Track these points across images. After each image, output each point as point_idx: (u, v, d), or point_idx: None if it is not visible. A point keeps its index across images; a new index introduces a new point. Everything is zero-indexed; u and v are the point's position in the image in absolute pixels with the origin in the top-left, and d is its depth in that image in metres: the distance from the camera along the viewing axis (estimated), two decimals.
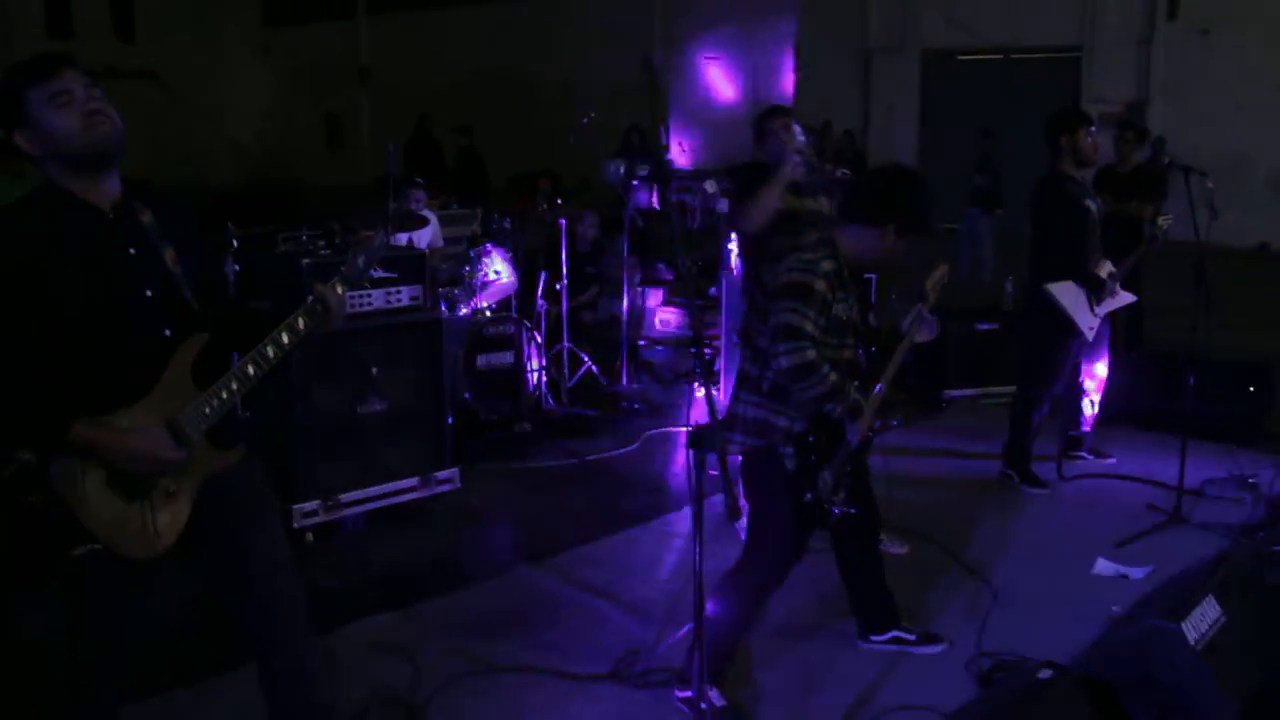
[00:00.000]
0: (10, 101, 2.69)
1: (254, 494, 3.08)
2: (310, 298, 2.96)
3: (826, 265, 3.67)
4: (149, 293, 2.80)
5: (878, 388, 3.83)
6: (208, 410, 2.81)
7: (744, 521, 3.80)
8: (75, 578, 2.77)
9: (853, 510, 3.81)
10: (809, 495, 3.68)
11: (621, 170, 8.48)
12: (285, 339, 2.90)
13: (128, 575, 2.80)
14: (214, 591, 3.10)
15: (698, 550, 2.84)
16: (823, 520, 3.81)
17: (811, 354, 3.57)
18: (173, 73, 23.61)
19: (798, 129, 5.29)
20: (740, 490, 3.90)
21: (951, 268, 4.31)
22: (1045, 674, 3.23)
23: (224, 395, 2.83)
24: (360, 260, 3.12)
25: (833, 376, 3.60)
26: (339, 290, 2.99)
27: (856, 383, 3.76)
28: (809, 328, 3.59)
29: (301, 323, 2.91)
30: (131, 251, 2.80)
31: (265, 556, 3.04)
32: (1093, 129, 5.81)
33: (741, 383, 3.88)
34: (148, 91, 23.39)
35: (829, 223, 4.09)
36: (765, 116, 5.52)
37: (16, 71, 2.70)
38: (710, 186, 2.55)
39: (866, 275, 7.46)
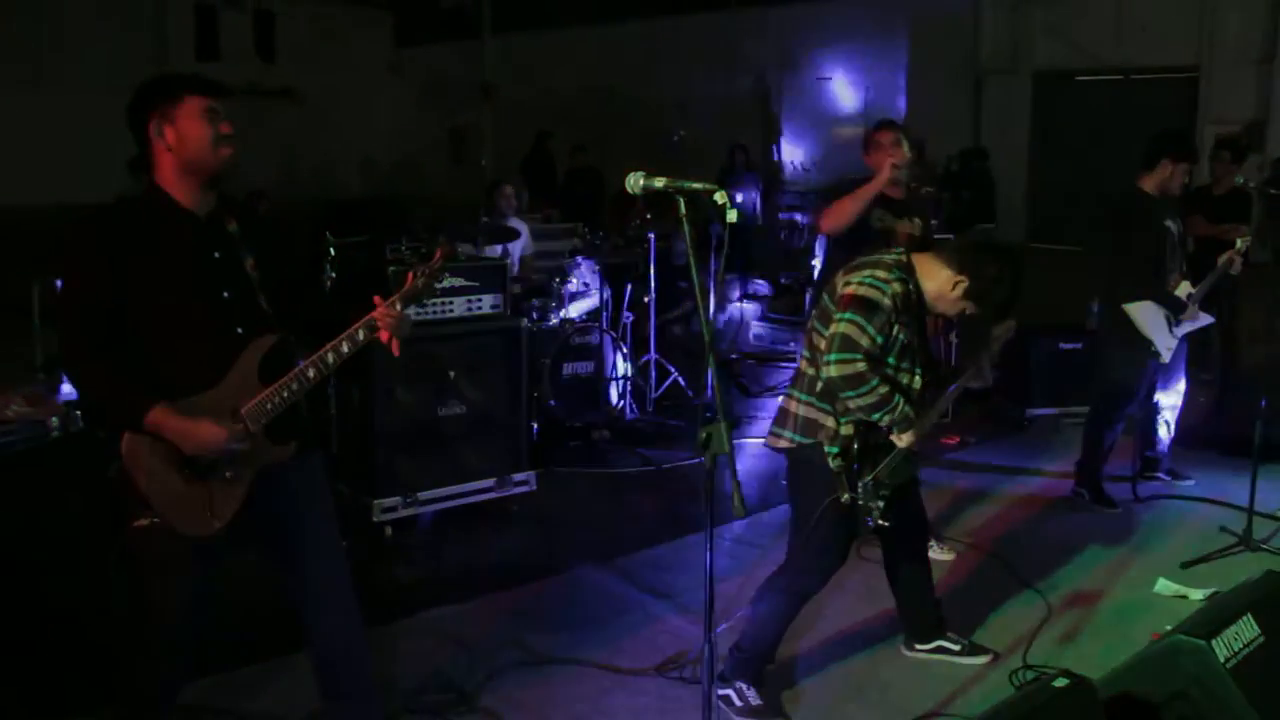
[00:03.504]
0: (172, 94, 3.00)
1: (308, 486, 3.30)
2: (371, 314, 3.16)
3: (897, 286, 3.74)
4: (226, 294, 3.07)
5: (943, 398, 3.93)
6: (269, 406, 3.06)
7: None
8: (136, 549, 3.02)
9: (885, 523, 3.85)
10: (846, 497, 3.76)
11: None
12: (345, 348, 3.11)
13: (185, 551, 3.04)
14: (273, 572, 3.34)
15: (709, 549, 2.92)
16: (861, 526, 3.88)
17: (862, 366, 3.64)
18: (310, 91, 24.52)
19: (905, 145, 5.33)
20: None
21: None
22: (1060, 684, 3.25)
23: (285, 394, 3.07)
24: (420, 280, 3.26)
25: (882, 389, 3.66)
26: (398, 307, 3.18)
27: (908, 406, 3.83)
28: (866, 342, 3.67)
29: (361, 334, 3.12)
30: (216, 255, 3.08)
31: (313, 545, 3.27)
32: (1191, 167, 5.79)
33: (796, 381, 3.97)
34: (286, 109, 24.35)
35: (916, 245, 4.16)
36: (873, 130, 5.55)
37: (189, 76, 3.05)
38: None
39: None
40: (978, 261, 3.84)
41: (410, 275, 3.23)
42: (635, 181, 2.75)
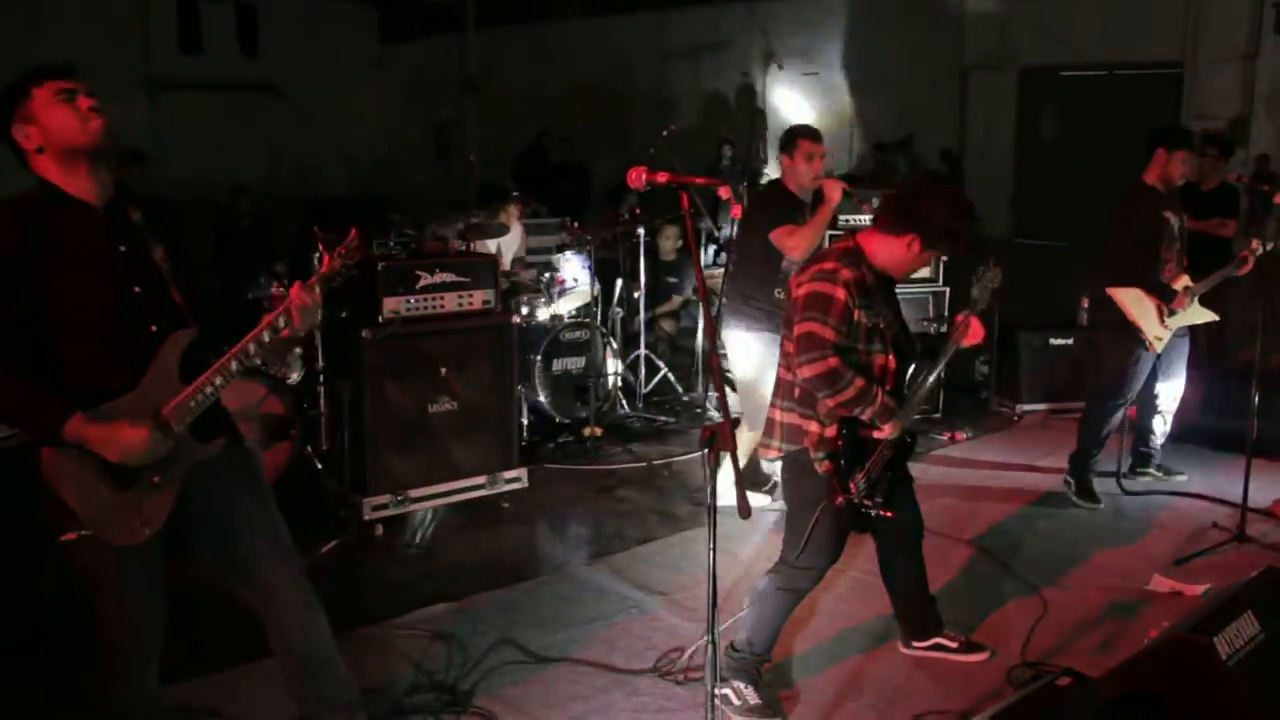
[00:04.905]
0: (18, 96, 2.86)
1: (242, 480, 3.18)
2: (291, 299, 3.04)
3: (847, 274, 3.73)
4: (137, 288, 2.93)
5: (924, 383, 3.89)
6: (193, 404, 2.94)
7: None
8: (69, 564, 2.93)
9: (888, 514, 3.85)
10: (842, 499, 3.75)
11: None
12: (266, 336, 3.00)
13: (119, 562, 2.93)
14: (217, 577, 3.20)
15: (711, 548, 2.88)
16: (859, 524, 3.87)
17: (833, 361, 3.64)
18: (293, 86, 24.36)
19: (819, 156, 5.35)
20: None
21: None
22: (1063, 681, 3.24)
23: (208, 390, 2.96)
24: (339, 264, 3.14)
25: (858, 382, 3.66)
26: (316, 291, 3.06)
27: (890, 388, 3.82)
28: (830, 335, 3.67)
29: (282, 321, 3.01)
30: (121, 249, 2.93)
31: (258, 541, 3.16)
32: (1189, 155, 5.79)
33: (777, 389, 3.96)
34: (269, 104, 24.19)
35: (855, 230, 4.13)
36: (800, 136, 5.51)
37: (28, 73, 2.89)
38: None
39: (939, 289, 7.47)
40: (916, 214, 3.77)
41: (327, 257, 3.14)
42: (639, 176, 2.72)
